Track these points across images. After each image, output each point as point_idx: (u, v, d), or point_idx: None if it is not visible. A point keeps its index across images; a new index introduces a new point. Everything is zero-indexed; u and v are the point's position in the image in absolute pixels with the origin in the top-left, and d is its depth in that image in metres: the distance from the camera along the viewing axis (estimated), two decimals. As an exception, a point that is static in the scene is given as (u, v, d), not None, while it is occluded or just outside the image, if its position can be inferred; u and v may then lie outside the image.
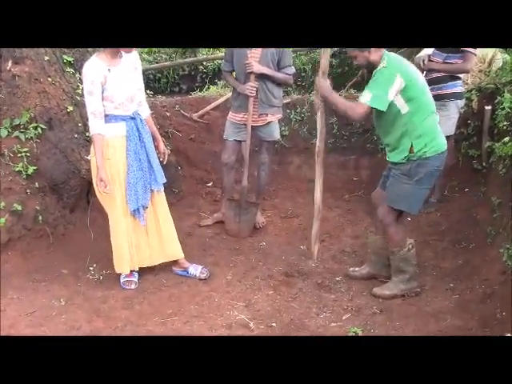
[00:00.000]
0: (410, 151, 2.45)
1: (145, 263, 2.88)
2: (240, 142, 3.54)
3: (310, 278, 2.97)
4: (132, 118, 2.65)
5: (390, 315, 2.54)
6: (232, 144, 3.52)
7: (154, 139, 2.83)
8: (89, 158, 2.70)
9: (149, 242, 2.84)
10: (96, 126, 2.53)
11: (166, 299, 2.72)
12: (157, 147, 2.87)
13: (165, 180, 2.86)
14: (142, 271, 2.93)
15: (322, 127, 2.90)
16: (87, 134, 3.22)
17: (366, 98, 2.37)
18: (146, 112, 2.81)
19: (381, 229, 2.76)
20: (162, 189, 2.85)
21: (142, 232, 2.82)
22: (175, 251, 2.92)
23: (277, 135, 3.59)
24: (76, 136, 3.23)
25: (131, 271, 2.85)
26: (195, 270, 2.95)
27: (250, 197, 3.84)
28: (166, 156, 2.89)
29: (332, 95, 2.59)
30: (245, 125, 3.41)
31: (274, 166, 4.48)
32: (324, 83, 2.63)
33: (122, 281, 2.84)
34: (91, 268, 2.94)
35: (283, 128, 4.52)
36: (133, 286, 2.83)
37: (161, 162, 2.84)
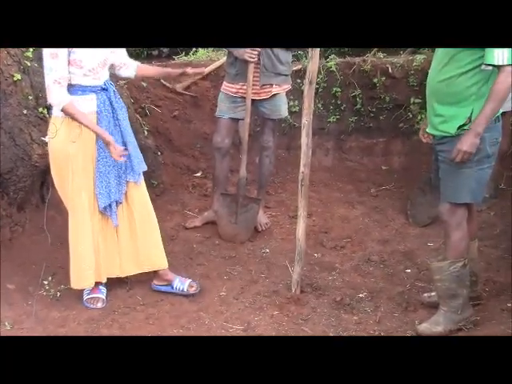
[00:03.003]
0: (467, 120, 2.41)
1: (113, 273, 2.88)
2: (237, 120, 3.54)
3: (327, 295, 2.98)
4: (104, 89, 2.65)
5: (429, 342, 2.56)
6: (227, 123, 3.51)
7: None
8: (46, 139, 2.69)
9: (119, 246, 2.84)
10: (63, 95, 2.52)
11: (142, 321, 2.73)
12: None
13: (145, 167, 2.86)
14: (112, 285, 2.93)
15: (307, 147, 2.80)
16: (40, 110, 3.22)
17: (504, 57, 2.26)
18: (134, 65, 2.87)
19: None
20: (141, 180, 2.85)
21: (112, 234, 2.83)
22: (157, 259, 2.91)
23: (284, 112, 3.59)
24: (25, 112, 3.21)
25: (97, 284, 2.85)
26: (182, 283, 2.95)
27: (249, 191, 3.84)
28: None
29: (483, 123, 2.35)
30: (243, 98, 3.41)
31: (280, 151, 4.48)
32: (469, 141, 2.37)
33: (85, 298, 2.85)
34: (46, 282, 2.95)
35: (292, 103, 4.51)
36: (99, 305, 2.84)
37: (140, 148, 2.80)
